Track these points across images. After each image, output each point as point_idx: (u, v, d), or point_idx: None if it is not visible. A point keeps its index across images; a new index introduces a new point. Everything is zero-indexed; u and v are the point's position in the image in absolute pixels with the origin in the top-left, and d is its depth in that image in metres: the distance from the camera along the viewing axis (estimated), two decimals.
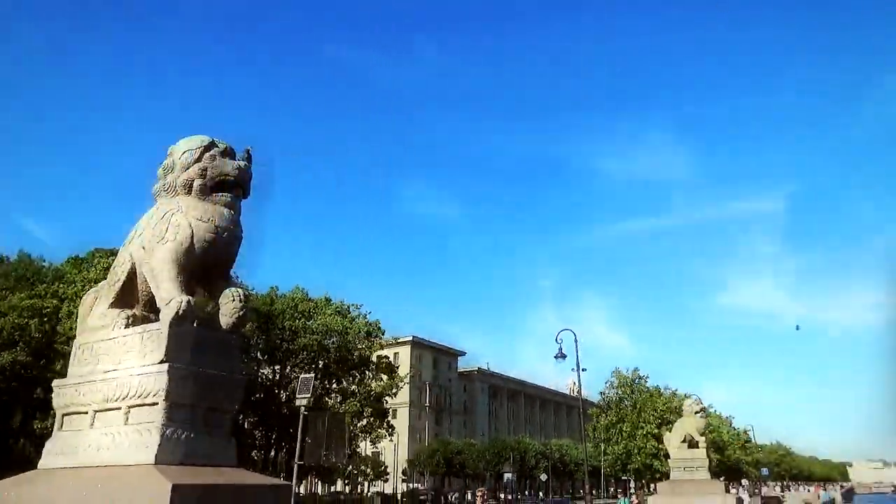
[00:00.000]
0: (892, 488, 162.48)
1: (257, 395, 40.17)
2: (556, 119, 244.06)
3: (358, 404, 43.64)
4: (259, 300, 38.61)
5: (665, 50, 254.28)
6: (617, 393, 36.45)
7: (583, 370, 28.61)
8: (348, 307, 42.74)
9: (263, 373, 41.41)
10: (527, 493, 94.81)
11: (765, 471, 69.57)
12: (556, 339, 27.90)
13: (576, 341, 28.43)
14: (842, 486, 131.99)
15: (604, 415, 36.98)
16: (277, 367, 41.03)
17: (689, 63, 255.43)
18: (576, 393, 41.72)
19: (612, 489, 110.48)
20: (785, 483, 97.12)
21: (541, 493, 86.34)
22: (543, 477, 79.82)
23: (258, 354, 40.05)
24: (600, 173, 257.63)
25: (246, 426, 43.65)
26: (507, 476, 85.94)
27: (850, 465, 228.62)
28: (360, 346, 41.24)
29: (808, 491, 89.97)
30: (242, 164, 6.44)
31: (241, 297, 6.29)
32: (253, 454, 42.69)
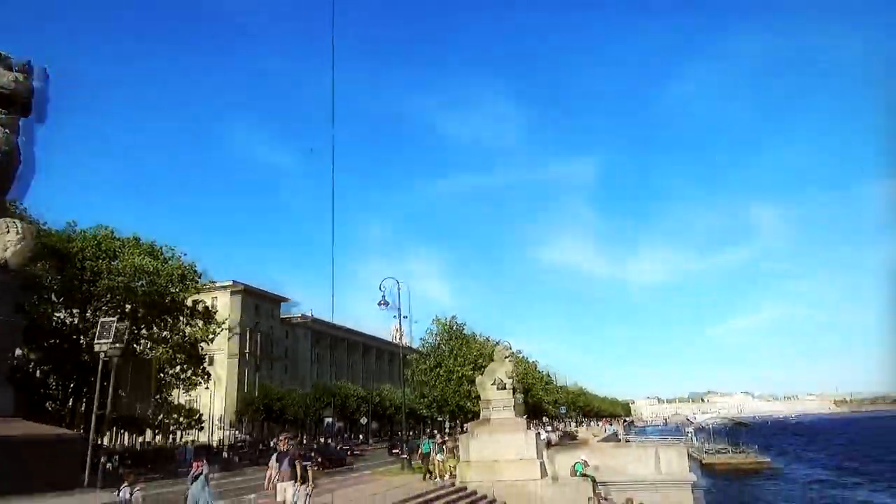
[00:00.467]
0: (664, 421, 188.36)
1: (52, 341, 36.51)
2: (400, 74, 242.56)
3: (170, 351, 41.32)
4: (54, 237, 34.71)
5: (514, 22, 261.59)
6: (436, 340, 38.07)
7: (404, 317, 29.44)
8: (160, 248, 39.82)
9: (59, 316, 37.60)
10: (349, 436, 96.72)
11: (563, 409, 77.08)
12: (381, 287, 28.31)
13: (398, 289, 29.06)
14: (625, 421, 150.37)
15: (423, 360, 38.48)
16: (77, 310, 37.40)
17: (533, 37, 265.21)
18: (399, 344, 42.94)
19: (429, 430, 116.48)
20: (579, 419, 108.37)
21: (361, 437, 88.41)
22: (364, 421, 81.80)
23: (52, 296, 36.19)
24: (439, 131, 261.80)
25: (38, 374, 39.64)
26: (328, 421, 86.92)
27: (633, 402, 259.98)
28: (173, 290, 38.74)
29: (598, 425, 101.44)
30: (20, 76, 5.64)
31: (21, 229, 5.59)
32: (48, 405, 38.99)
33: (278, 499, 13.55)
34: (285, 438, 14.78)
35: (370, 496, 19.62)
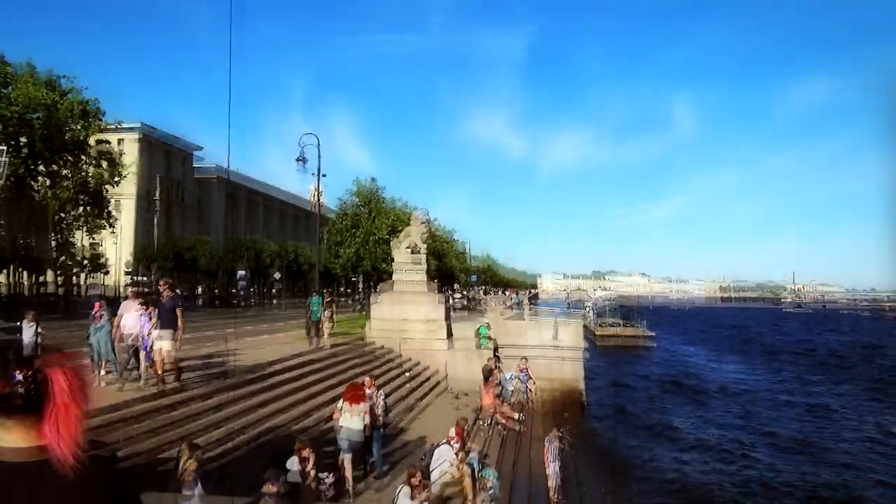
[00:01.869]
0: (566, 296, 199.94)
1: None
2: None
3: (71, 191, 39.20)
4: None
5: None
6: (354, 201, 37.90)
7: (323, 175, 28.80)
8: (58, 78, 36.50)
9: None
10: (260, 290, 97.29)
11: (473, 277, 80.00)
12: (299, 143, 27.38)
13: (318, 145, 28.22)
14: (530, 292, 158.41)
15: (340, 220, 38.42)
16: None
17: None
18: (316, 201, 42.36)
19: (342, 289, 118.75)
20: (488, 288, 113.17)
21: (273, 291, 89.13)
22: (277, 276, 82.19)
23: None
24: None
25: None
26: (241, 273, 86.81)
27: (540, 277, 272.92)
28: (73, 127, 36.07)
29: (505, 294, 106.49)
30: None
31: None
32: None
33: (156, 347, 12.26)
34: (165, 284, 12.99)
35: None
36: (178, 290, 13.82)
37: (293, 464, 9.89)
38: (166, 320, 12.29)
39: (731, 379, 42.83)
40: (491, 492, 9.67)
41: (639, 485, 18.35)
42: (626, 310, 78.02)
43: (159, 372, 12.32)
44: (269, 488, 7.80)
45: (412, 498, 8.78)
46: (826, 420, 29.62)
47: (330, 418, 12.64)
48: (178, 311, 12.41)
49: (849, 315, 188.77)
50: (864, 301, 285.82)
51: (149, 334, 12.45)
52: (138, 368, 12.90)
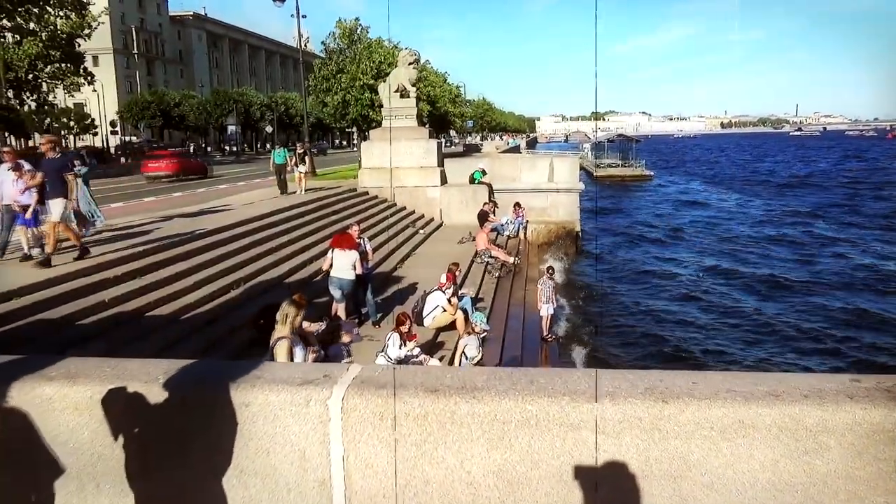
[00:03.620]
0: (565, 137, 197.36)
1: None
2: None
3: (40, 46, 37.06)
4: None
5: None
6: (338, 44, 35.81)
7: (304, 17, 26.95)
8: None
9: None
10: (255, 146, 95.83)
11: (469, 123, 78.26)
12: None
13: None
14: (528, 136, 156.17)
15: (324, 65, 36.54)
16: None
17: None
18: (299, 43, 40.08)
19: (338, 140, 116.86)
20: (485, 134, 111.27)
21: (268, 146, 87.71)
22: (269, 129, 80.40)
23: None
24: None
25: None
26: (231, 128, 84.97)
27: (538, 119, 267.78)
28: None
29: (502, 139, 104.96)
30: None
31: None
32: None
33: (52, 219, 10.24)
34: (49, 142, 10.67)
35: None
36: (59, 149, 11.35)
37: None
38: (54, 185, 10.20)
39: (731, 216, 43.10)
40: (483, 336, 9.77)
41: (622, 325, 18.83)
42: (625, 148, 76.81)
43: (50, 250, 10.35)
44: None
45: (402, 346, 8.83)
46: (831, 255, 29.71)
47: (319, 272, 12.62)
48: (69, 177, 10.51)
49: (856, 137, 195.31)
50: (867, 127, 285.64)
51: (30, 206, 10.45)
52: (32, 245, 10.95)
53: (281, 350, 6.57)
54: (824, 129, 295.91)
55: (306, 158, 23.11)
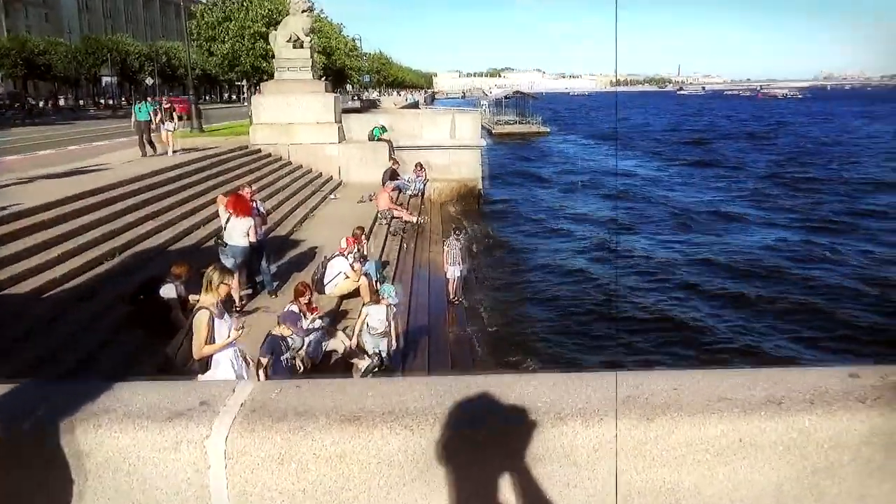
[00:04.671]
0: (462, 93, 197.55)
1: None
2: None
3: None
4: None
5: None
6: None
7: None
8: None
9: None
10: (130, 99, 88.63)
11: (366, 77, 75.96)
12: None
13: None
14: (426, 92, 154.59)
15: (209, 12, 33.74)
16: None
17: None
18: None
19: (227, 94, 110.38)
20: (382, 89, 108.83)
21: (148, 99, 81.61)
22: (149, 81, 74.51)
23: None
24: None
25: None
26: (107, 80, 78.03)
27: (436, 75, 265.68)
28: None
29: (400, 95, 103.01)
30: None
31: None
32: None
33: None
34: None
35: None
36: None
37: (169, 290, 8.83)
38: None
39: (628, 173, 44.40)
40: (392, 306, 9.11)
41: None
42: (523, 105, 77.49)
43: None
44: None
45: (296, 321, 8.05)
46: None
47: (207, 238, 11.49)
48: None
49: (734, 97, 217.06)
50: (742, 87, 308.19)
51: None
52: None
53: (200, 322, 5.73)
54: (703, 88, 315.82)
55: (174, 115, 20.33)
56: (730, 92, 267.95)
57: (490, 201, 29.20)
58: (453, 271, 13.38)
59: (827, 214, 27.83)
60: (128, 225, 11.86)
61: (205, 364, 5.88)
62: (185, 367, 5.94)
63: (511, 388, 2.11)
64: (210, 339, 5.80)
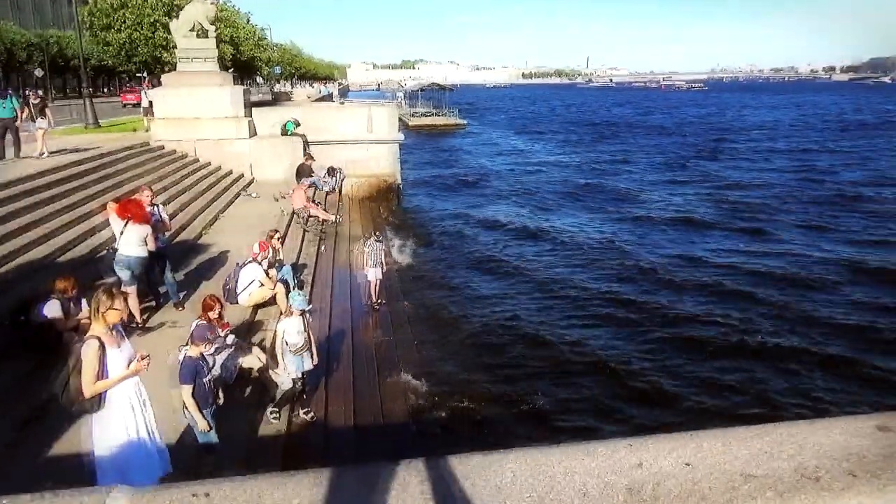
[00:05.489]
0: (377, 85, 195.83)
1: None
2: None
3: None
4: None
5: None
6: None
7: None
8: None
9: None
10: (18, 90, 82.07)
11: (277, 69, 73.48)
12: None
13: None
14: (340, 84, 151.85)
15: None
16: None
17: None
18: None
19: (128, 87, 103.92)
20: (294, 80, 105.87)
21: (40, 92, 75.79)
22: (39, 73, 69.14)
23: None
24: None
25: None
26: None
27: (349, 67, 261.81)
28: None
29: (313, 87, 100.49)
30: None
31: None
32: None
33: None
34: None
35: None
36: None
37: (52, 308, 7.83)
38: None
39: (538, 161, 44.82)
40: (307, 313, 8.43)
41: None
42: (438, 97, 77.25)
43: None
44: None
45: (209, 335, 7.25)
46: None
47: (99, 249, 10.39)
48: None
49: (641, 89, 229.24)
50: (647, 80, 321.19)
51: None
52: None
53: (88, 355, 4.85)
54: (611, 80, 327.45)
55: (46, 111, 17.83)
56: (638, 84, 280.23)
57: (408, 196, 28.68)
58: (374, 273, 12.76)
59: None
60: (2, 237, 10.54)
61: (98, 401, 5.07)
62: (73, 406, 5.11)
63: (481, 474, 1.60)
64: (102, 373, 4.98)
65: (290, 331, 7.70)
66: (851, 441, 1.77)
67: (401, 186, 27.01)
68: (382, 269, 12.97)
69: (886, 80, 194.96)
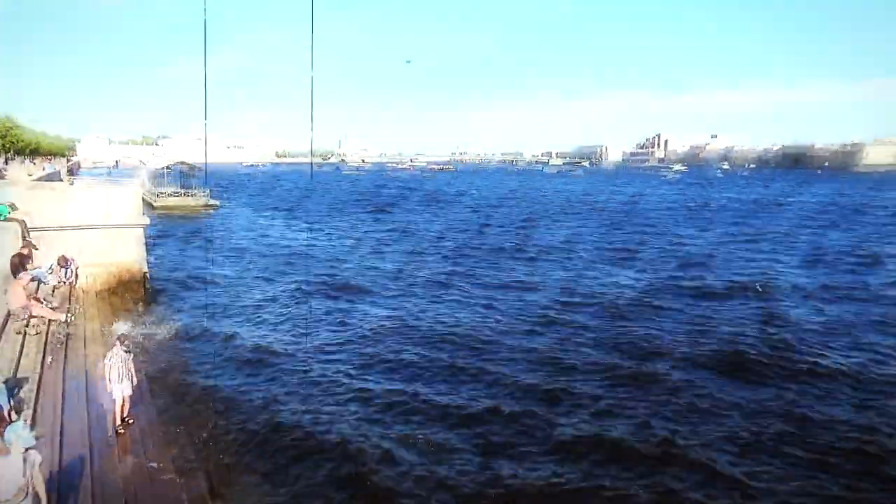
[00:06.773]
0: (115, 163, 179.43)
1: None
2: None
3: None
4: None
5: None
6: None
7: None
8: None
9: None
10: None
11: None
12: None
13: None
14: (69, 160, 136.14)
15: None
16: None
17: None
18: None
19: None
20: (10, 157, 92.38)
21: None
22: None
23: None
24: None
25: None
26: None
27: (79, 142, 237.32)
28: None
29: (34, 164, 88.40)
30: None
31: None
32: None
33: None
34: None
35: None
36: None
37: None
38: None
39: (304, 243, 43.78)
40: (29, 451, 6.52)
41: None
42: (186, 176, 72.61)
43: None
44: None
45: None
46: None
47: None
48: None
49: (396, 170, 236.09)
50: (395, 162, 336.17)
51: None
52: None
53: None
54: (363, 161, 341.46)
55: None
56: (391, 164, 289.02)
57: (158, 286, 25.73)
58: (120, 390, 10.63)
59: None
60: None
61: None
62: None
63: None
64: None
65: (7, 476, 5.83)
66: None
67: (147, 275, 24.18)
68: (132, 382, 10.91)
69: (579, 171, 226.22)
